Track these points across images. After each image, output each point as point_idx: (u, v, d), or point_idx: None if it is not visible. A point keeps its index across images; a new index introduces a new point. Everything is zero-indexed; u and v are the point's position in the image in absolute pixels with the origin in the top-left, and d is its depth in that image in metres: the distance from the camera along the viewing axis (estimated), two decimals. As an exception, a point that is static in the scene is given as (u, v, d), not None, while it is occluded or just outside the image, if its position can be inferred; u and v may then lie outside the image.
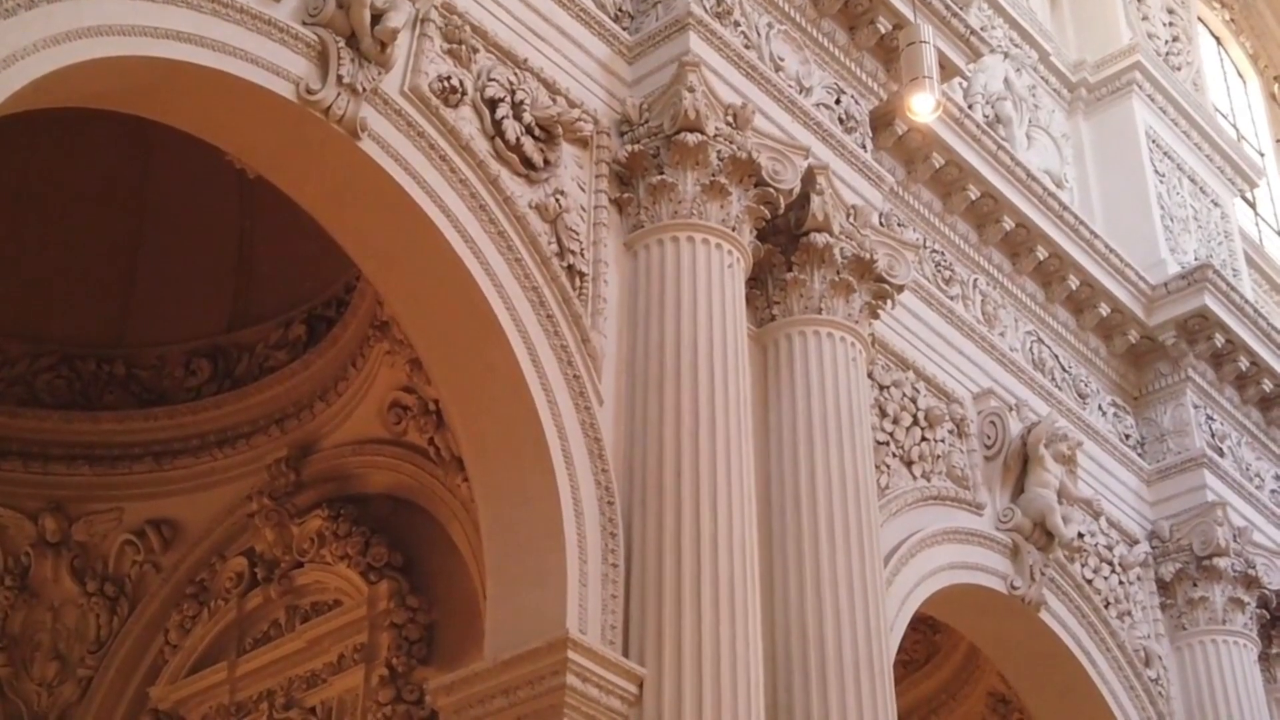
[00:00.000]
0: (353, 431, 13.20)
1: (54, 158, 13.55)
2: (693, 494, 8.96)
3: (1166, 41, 17.65)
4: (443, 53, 9.38)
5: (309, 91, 8.56)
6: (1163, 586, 13.68)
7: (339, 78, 8.66)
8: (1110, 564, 13.23)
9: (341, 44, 8.72)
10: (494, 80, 9.60)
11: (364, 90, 8.78)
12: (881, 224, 11.38)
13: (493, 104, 9.54)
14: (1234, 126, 21.30)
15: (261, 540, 13.58)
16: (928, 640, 15.65)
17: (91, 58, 7.67)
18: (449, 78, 9.32)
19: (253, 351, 14.07)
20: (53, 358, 14.09)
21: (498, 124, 9.52)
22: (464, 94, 9.39)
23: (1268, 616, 14.25)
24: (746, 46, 10.88)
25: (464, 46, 9.50)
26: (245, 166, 9.60)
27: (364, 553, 12.89)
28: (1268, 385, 15.05)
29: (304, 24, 8.66)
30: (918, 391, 12.01)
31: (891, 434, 11.60)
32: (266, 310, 14.10)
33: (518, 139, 9.56)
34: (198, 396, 14.01)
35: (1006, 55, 15.50)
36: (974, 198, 13.13)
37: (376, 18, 8.80)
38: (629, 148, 10.13)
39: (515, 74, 9.76)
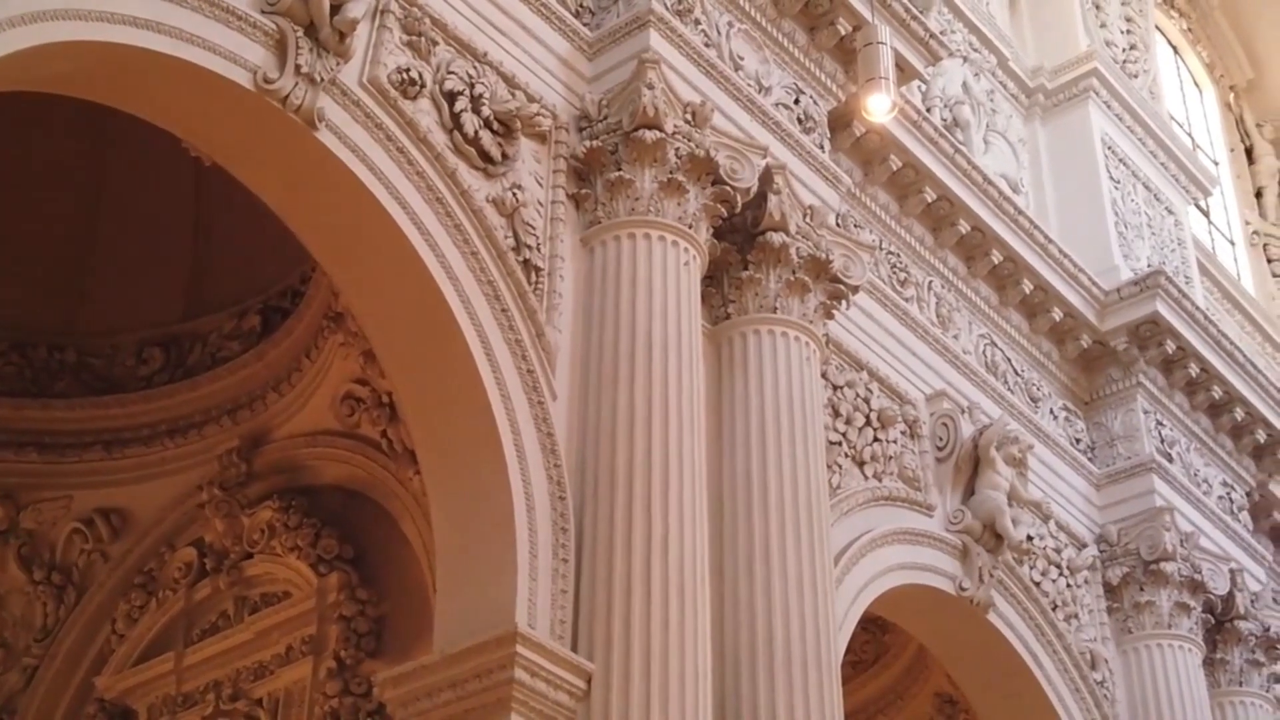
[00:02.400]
0: (305, 423, 13.17)
1: (7, 143, 13.44)
2: (644, 490, 8.98)
3: (1124, 49, 17.77)
4: (402, 44, 9.36)
5: (267, 81, 8.52)
6: (1110, 590, 13.77)
7: (297, 67, 8.62)
8: (1058, 567, 13.32)
9: (300, 33, 8.68)
10: (453, 73, 9.58)
11: (322, 80, 8.74)
12: (838, 225, 11.42)
13: (451, 97, 9.52)
14: (1189, 135, 21.48)
15: (211, 531, 13.53)
16: (877, 640, 15.73)
17: (47, 42, 7.60)
18: (408, 70, 9.30)
19: (206, 341, 14.01)
20: (3, 344, 14.00)
21: (456, 117, 9.50)
22: (423, 86, 9.37)
23: (1213, 621, 14.37)
24: (706, 45, 10.89)
25: (423, 39, 9.48)
26: (201, 155, 9.55)
27: (314, 545, 12.86)
28: (1217, 392, 15.17)
29: (262, 12, 8.61)
30: (871, 392, 12.05)
31: (844, 434, 11.64)
32: (221, 300, 14.04)
33: (476, 132, 9.54)
34: (149, 385, 13.94)
35: (965, 59, 15.58)
36: (930, 200, 13.19)
37: (336, 8, 8.77)
38: (587, 144, 10.14)
39: (475, 67, 9.74)
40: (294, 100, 8.61)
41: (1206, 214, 21.35)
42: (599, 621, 8.64)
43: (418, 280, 9.09)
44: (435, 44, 9.57)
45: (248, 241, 13.33)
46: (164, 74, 8.30)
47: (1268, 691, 14.79)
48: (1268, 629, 14.82)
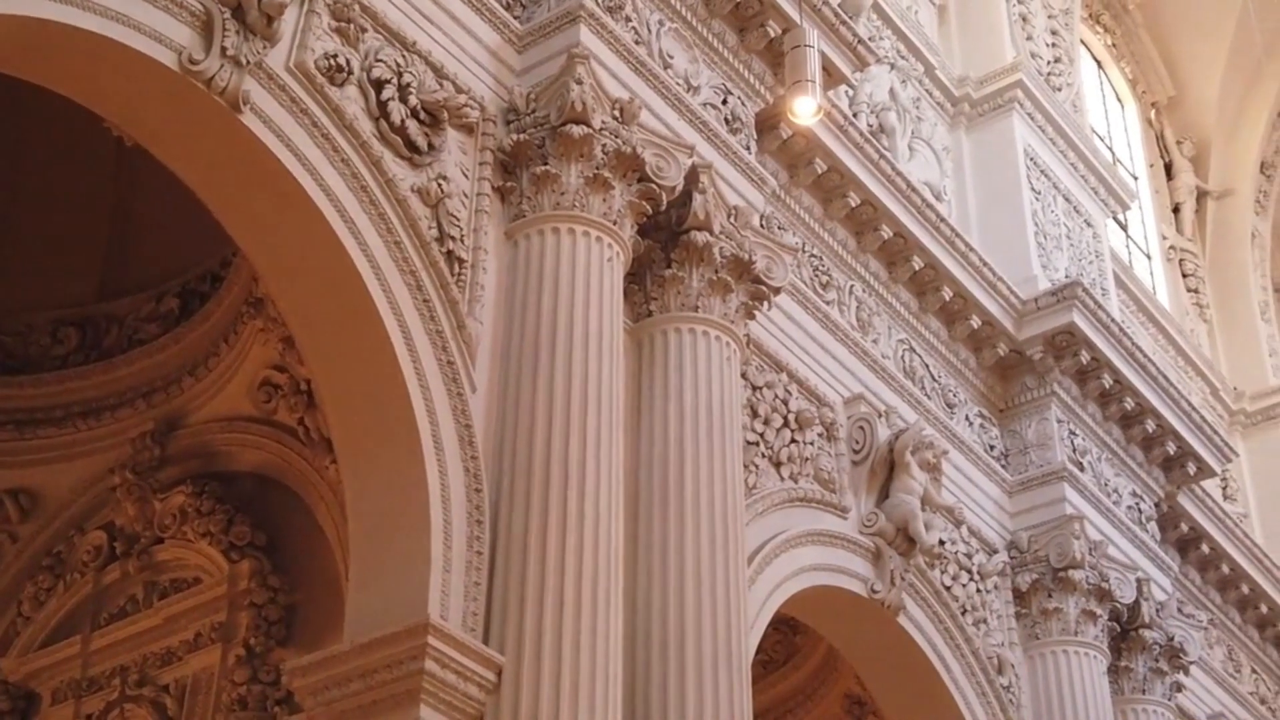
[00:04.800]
0: (221, 408, 13.04)
1: (-79, 116, 13.26)
2: (561, 485, 8.99)
3: (1049, 62, 17.96)
4: (330, 30, 9.30)
5: (192, 61, 8.44)
6: (1019, 596, 13.92)
7: (223, 49, 8.55)
8: (969, 572, 13.45)
9: (227, 15, 8.61)
10: (381, 61, 9.54)
11: (248, 63, 8.67)
12: (762, 226, 11.47)
13: (379, 85, 9.47)
14: (1110, 149, 21.76)
15: (122, 514, 13.37)
16: (788, 641, 15.82)
17: (-35, 14, 7.52)
18: (335, 56, 9.25)
19: (123, 323, 13.85)
20: (-86, 320, 13.79)
21: (383, 105, 9.46)
22: (350, 73, 9.32)
23: (1118, 629, 14.56)
24: (636, 42, 10.91)
25: (352, 25, 9.43)
26: (123, 134, 9.45)
27: (226, 531, 12.75)
28: (1129, 403, 15.36)
29: (190, -8, 8.55)
30: (789, 394, 12.12)
31: (762, 434, 11.70)
32: (139, 282, 13.88)
33: (402, 121, 9.50)
34: (64, 366, 13.76)
35: (893, 66, 15.70)
36: (854, 205, 13.28)
37: (265, -10, 8.72)
38: (514, 136, 10.13)
39: (403, 56, 9.70)
40: (219, 82, 8.54)
41: (1125, 228, 21.64)
42: (511, 615, 8.64)
43: (339, 268, 9.04)
44: (364, 31, 9.52)
45: (168, 223, 13.19)
46: (86, 51, 8.21)
47: (1170, 700, 15.02)
48: (1171, 638, 15.03)
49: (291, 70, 8.98)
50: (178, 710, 12.73)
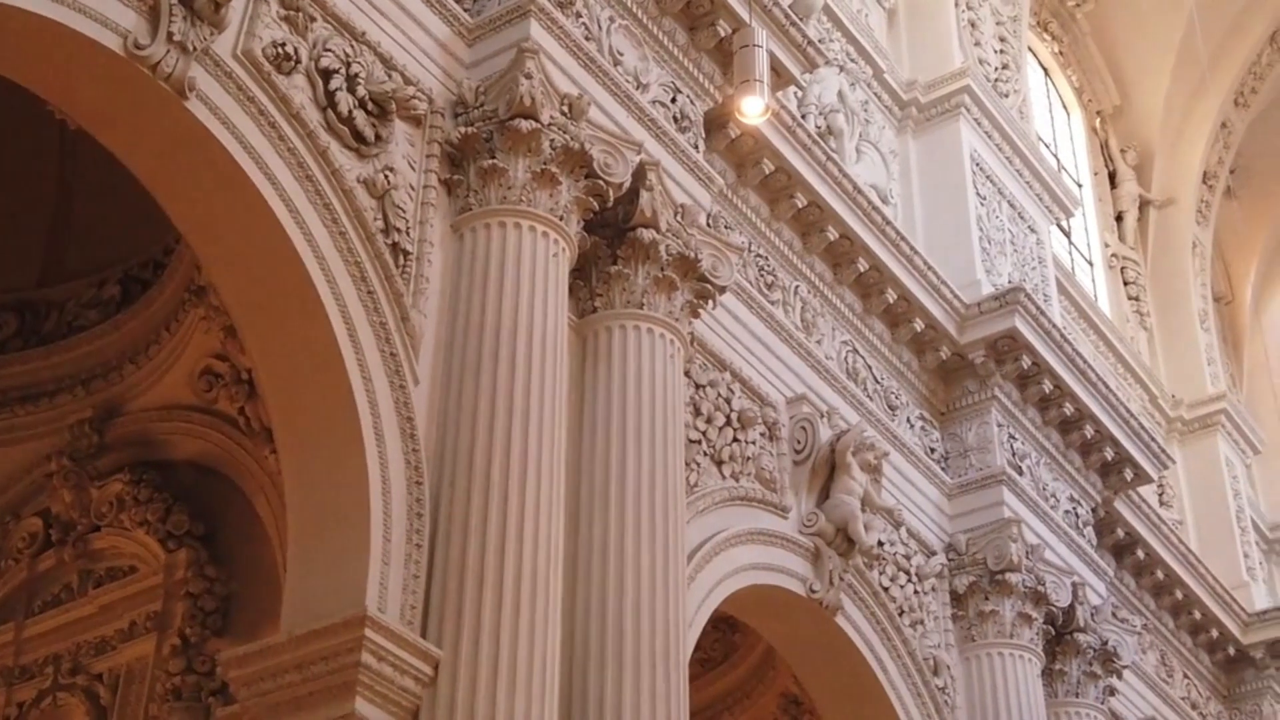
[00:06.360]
0: (161, 396, 12.94)
1: None
2: (502, 479, 8.98)
3: (996, 68, 18.08)
4: (279, 18, 9.25)
5: (138, 46, 8.38)
6: (956, 598, 14.01)
7: (169, 35, 8.49)
8: (907, 573, 13.52)
9: (174, 1, 8.55)
10: (330, 51, 9.49)
11: (195, 50, 8.61)
12: (709, 225, 11.49)
13: (327, 74, 9.43)
14: (1055, 156, 21.92)
15: (58, 501, 13.26)
16: (726, 639, 15.86)
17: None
18: (284, 44, 9.20)
19: (63, 309, 13.72)
20: None
21: (330, 95, 9.41)
22: (298, 62, 9.27)
23: (1053, 633, 14.68)
24: (587, 38, 10.91)
25: (301, 14, 9.38)
26: (67, 118, 9.36)
27: (164, 520, 12.66)
28: (1069, 409, 15.48)
29: (137, -24, 8.49)
30: (732, 392, 12.15)
31: (704, 433, 11.72)
32: (81, 267, 13.75)
33: (350, 112, 9.46)
34: (2, 351, 13.60)
35: (842, 69, 15.75)
36: (800, 206, 13.32)
37: (212, -23, 8.66)
38: (462, 130, 10.11)
39: (352, 46, 9.66)
40: (165, 68, 8.48)
41: (1068, 235, 21.82)
42: (450, 608, 8.62)
43: (283, 257, 9.00)
44: (313, 20, 9.47)
45: (111, 209, 13.08)
46: (30, 33, 8.13)
47: (1102, 704, 15.16)
48: (1105, 642, 15.17)
49: (238, 58, 8.93)
50: (111, 699, 12.65)
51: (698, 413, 11.71)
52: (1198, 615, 18.97)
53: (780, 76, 12.34)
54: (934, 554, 13.99)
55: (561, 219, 10.08)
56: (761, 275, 13.07)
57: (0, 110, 12.78)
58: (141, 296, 13.21)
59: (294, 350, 9.13)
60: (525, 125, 9.96)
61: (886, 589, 13.13)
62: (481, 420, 9.19)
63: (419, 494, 8.95)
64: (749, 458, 12.08)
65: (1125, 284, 23.07)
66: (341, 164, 9.32)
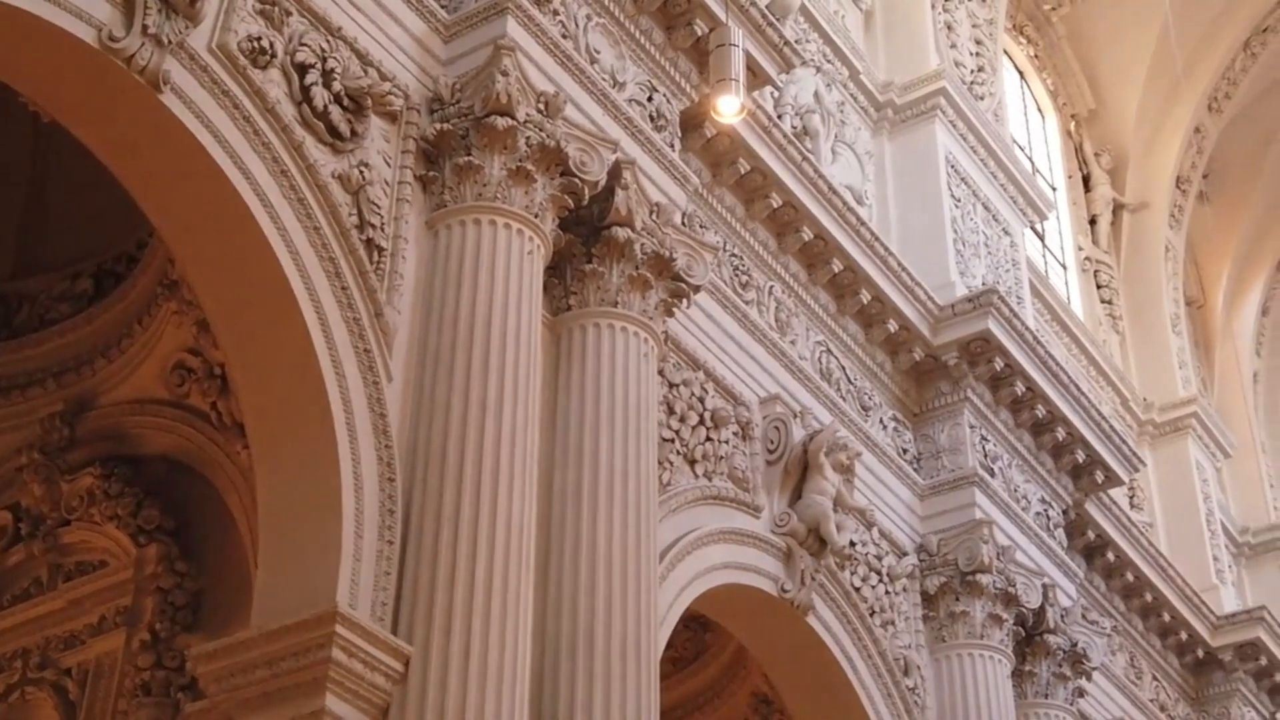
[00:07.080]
0: (133, 390, 12.90)
1: None
2: (474, 476, 8.97)
3: (972, 71, 18.13)
4: (255, 12, 9.23)
5: (112, 39, 8.35)
6: (927, 599, 14.04)
7: (144, 27, 8.46)
8: (879, 573, 13.55)
9: (150, -7, 8.53)
10: (306, 45, 9.48)
11: (169, 43, 8.59)
12: (684, 224, 11.50)
13: (302, 69, 9.41)
14: (1030, 159, 21.99)
15: (29, 495, 13.20)
16: (698, 639, 15.88)
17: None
18: (259, 38, 9.17)
19: (35, 301, 13.67)
20: None
21: (306, 90, 9.40)
22: (274, 56, 9.25)
23: (1023, 634, 14.72)
24: (564, 36, 10.91)
25: (277, 9, 9.36)
26: (40, 110, 9.32)
27: (135, 514, 12.62)
28: (1040, 411, 15.53)
29: (112, -31, 8.45)
30: (706, 392, 12.16)
31: (677, 432, 11.74)
32: (53, 260, 13.70)
33: (325, 107, 9.45)
34: (-28, 343, 13.57)
35: (819, 70, 15.78)
36: (775, 206, 13.34)
37: (188, -30, 8.63)
38: (438, 126, 10.10)
39: (328, 41, 9.64)
40: (139, 61, 8.45)
41: (1042, 237, 21.90)
42: (421, 605, 8.62)
43: (257, 252, 8.98)
44: (289, 14, 9.45)
45: (85, 202, 13.04)
46: (3, 24, 8.09)
47: (1071, 705, 15.21)
48: (1075, 644, 15.23)
49: (214, 51, 8.90)
50: (79, 694, 12.61)
51: (671, 412, 11.72)
52: (1167, 618, 19.06)
53: (756, 76, 12.36)
54: (905, 555, 14.02)
55: (536, 217, 10.07)
56: (736, 275, 13.08)
57: (-27, 102, 12.75)
58: (114, 290, 13.16)
59: (267, 345, 9.10)
60: (501, 122, 9.95)
61: (858, 589, 13.16)
62: (455, 417, 9.18)
63: (391, 490, 8.94)
64: (722, 457, 12.09)
65: (1098, 287, 23.16)
66: (316, 159, 9.30)
